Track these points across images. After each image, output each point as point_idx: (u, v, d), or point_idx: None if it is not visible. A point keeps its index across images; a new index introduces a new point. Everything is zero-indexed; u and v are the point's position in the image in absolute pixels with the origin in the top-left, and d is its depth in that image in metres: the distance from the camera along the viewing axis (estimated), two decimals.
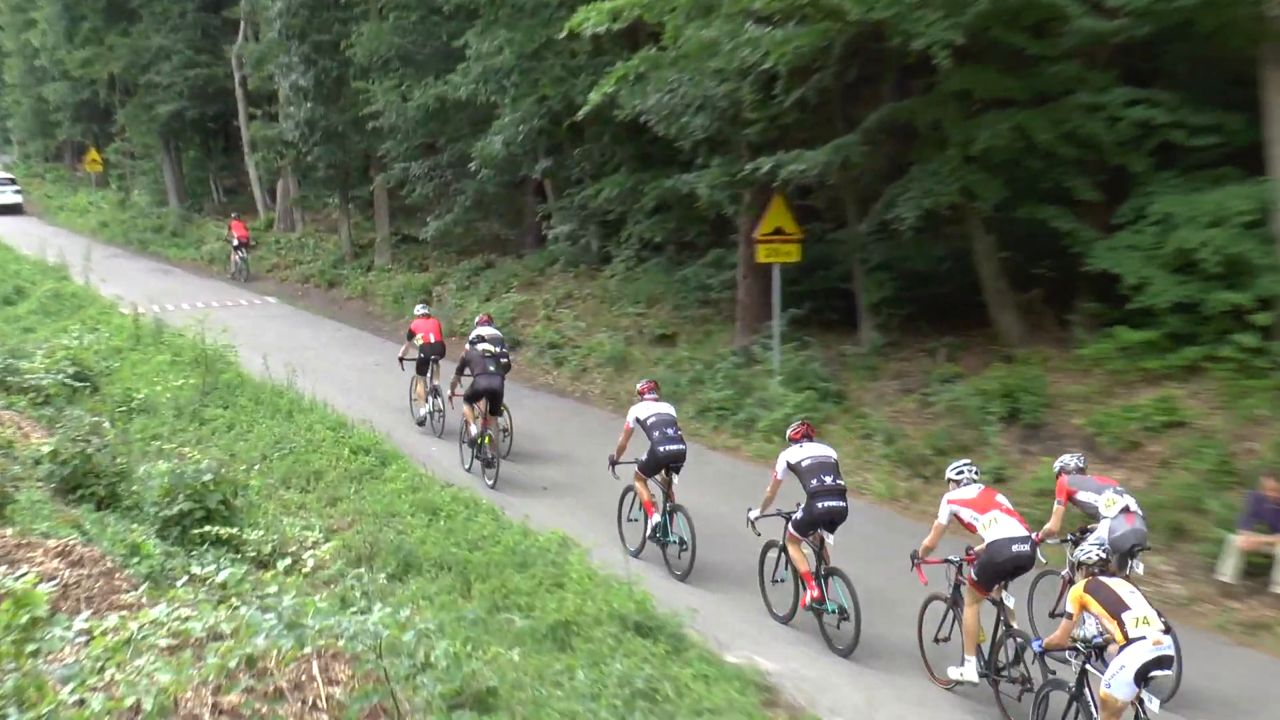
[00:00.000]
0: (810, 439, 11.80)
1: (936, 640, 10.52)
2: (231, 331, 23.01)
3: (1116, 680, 8.11)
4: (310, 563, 9.66)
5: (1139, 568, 10.47)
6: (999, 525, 9.87)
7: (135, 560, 9.63)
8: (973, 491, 10.21)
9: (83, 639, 5.72)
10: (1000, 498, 10.25)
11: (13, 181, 62.29)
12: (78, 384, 20.74)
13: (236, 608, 6.20)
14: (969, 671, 10.00)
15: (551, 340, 24.41)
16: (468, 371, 16.77)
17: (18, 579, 6.16)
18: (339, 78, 34.00)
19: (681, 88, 19.43)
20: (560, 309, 26.10)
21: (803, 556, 11.50)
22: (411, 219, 37.91)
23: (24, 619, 5.53)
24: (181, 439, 17.99)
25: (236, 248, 38.73)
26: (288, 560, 8.03)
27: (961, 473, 10.42)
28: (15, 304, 32.09)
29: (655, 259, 25.74)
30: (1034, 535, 10.07)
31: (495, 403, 16.57)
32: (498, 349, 17.57)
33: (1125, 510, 10.56)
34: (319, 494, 15.71)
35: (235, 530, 11.48)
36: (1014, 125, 16.31)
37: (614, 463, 13.84)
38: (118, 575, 8.44)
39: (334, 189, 38.18)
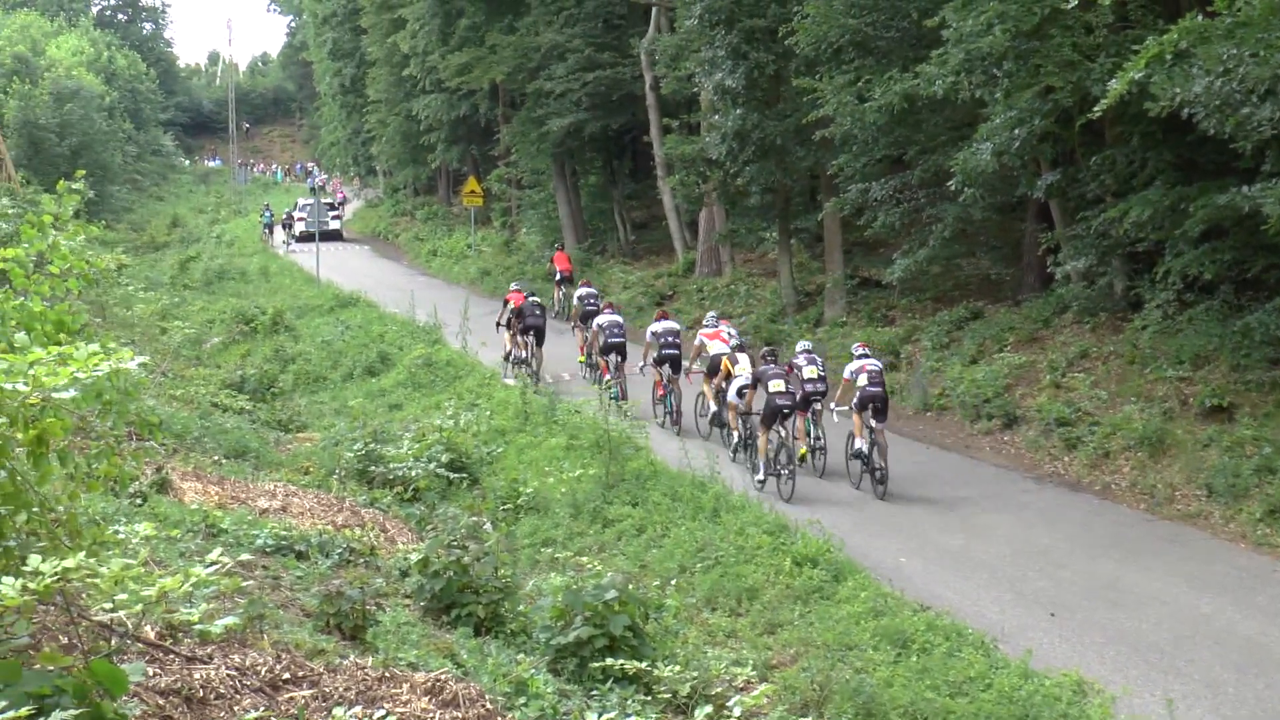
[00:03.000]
0: (667, 319, 29.30)
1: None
2: (639, 407, 24.12)
3: (731, 393, 24.53)
4: (738, 710, 10.12)
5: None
6: (715, 345, 26.49)
7: (521, 701, 10.30)
8: (711, 331, 27.06)
9: None
10: (724, 332, 27.26)
11: (332, 207, 79.87)
12: (453, 475, 22.52)
13: None
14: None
15: (1061, 415, 24.15)
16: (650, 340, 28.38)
17: None
18: (777, 75, 35.21)
19: (1241, 67, 18.88)
20: (1073, 373, 25.78)
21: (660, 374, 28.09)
22: (871, 256, 38.50)
23: None
24: (580, 545, 19.10)
25: (559, 283, 41.01)
26: (710, 706, 8.43)
27: (710, 319, 28.20)
28: (379, 375, 35.07)
29: (1204, 303, 24.97)
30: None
31: (674, 367, 28.13)
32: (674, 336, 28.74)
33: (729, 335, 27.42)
34: (753, 618, 16.14)
35: (645, 664, 11.98)
36: None
37: (643, 365, 28.35)
38: None
39: (771, 220, 39.38)
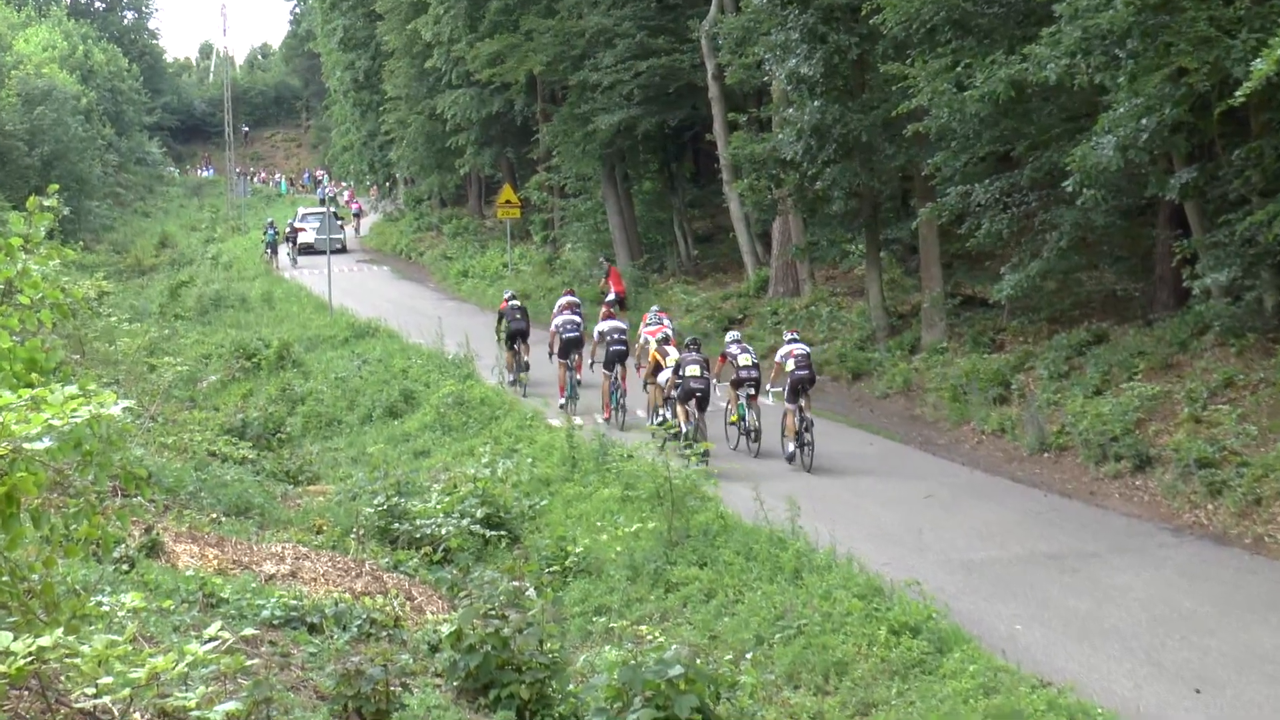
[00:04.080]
0: (613, 318, 35.10)
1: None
2: (712, 447, 24.13)
3: (661, 380, 30.77)
4: None
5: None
6: (651, 334, 33.88)
7: None
8: (654, 327, 33.74)
9: None
10: (667, 328, 33.88)
11: (336, 216, 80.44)
12: (490, 532, 22.55)
13: None
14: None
15: (1202, 455, 23.93)
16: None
17: None
18: (860, 60, 35.18)
19: None
20: (1216, 405, 25.59)
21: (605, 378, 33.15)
22: (976, 271, 38.36)
23: None
24: (638, 613, 19.10)
25: (609, 305, 41.22)
26: None
27: (653, 316, 35.93)
28: (403, 416, 35.23)
29: None
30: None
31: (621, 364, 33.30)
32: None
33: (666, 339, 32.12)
34: (843, 697, 16.12)
35: None
36: None
37: (592, 363, 35.13)
38: None
39: (856, 230, 39.34)
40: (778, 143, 37.37)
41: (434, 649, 14.28)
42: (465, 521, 22.39)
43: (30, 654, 6.70)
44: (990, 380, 30.73)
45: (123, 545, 15.74)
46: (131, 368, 34.97)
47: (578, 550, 21.56)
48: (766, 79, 41.15)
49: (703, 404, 28.71)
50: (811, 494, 23.86)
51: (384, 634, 14.88)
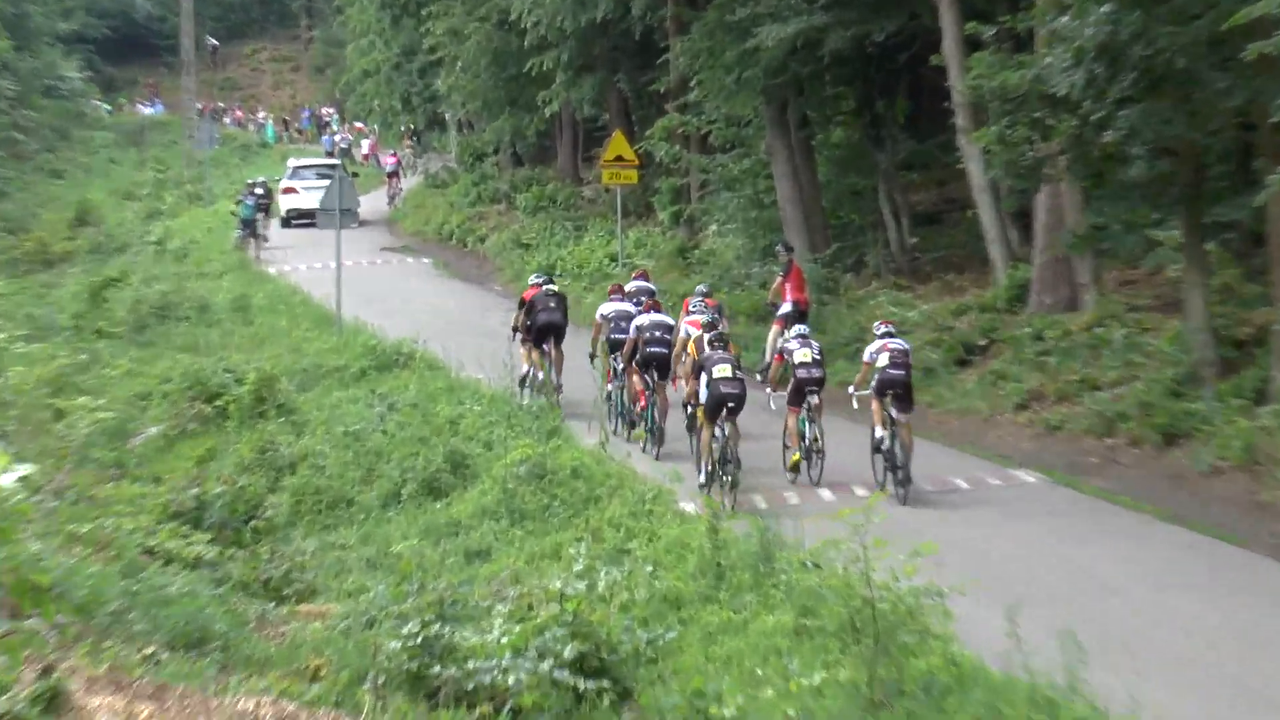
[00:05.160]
0: (659, 311, 40.69)
1: None
2: (936, 552, 23.90)
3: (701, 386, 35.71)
4: None
5: None
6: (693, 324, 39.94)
7: None
8: (695, 316, 39.51)
9: None
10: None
11: (353, 175, 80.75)
12: (585, 683, 22.45)
13: None
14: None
15: None
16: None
17: None
18: None
19: None
20: None
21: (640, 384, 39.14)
22: None
23: None
24: None
25: (782, 319, 41.29)
26: None
27: (696, 303, 41.43)
28: (449, 495, 35.59)
29: None
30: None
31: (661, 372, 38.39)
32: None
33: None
34: None
35: None
36: None
37: (621, 368, 40.64)
38: None
39: (1168, 208, 38.90)
40: (1044, 69, 36.87)
41: None
42: (546, 664, 22.25)
43: None
44: None
45: (7, 695, 15.72)
46: (28, 413, 35.25)
47: (727, 714, 21.34)
48: None
49: (734, 412, 32.50)
50: (1097, 625, 23.50)
51: None
